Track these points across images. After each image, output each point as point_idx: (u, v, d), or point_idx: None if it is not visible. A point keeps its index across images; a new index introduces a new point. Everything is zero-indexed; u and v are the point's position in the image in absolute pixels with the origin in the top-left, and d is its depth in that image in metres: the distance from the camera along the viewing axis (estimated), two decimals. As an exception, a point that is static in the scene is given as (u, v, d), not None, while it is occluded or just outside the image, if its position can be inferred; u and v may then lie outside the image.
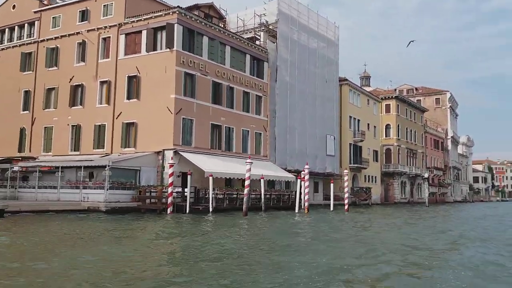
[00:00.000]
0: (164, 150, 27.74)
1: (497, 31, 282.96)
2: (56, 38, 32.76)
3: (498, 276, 8.25)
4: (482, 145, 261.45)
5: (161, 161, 27.84)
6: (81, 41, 31.55)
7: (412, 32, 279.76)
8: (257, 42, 36.50)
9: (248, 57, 34.40)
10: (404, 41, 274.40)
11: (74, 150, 31.05)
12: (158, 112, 27.89)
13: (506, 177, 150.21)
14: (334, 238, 14.36)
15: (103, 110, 30.04)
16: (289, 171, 35.55)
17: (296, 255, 10.07)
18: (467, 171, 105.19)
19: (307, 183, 28.94)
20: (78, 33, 31.61)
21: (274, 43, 37.12)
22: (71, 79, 31.76)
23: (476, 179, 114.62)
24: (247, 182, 22.87)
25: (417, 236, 15.25)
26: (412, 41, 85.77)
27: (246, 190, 22.87)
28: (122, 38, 29.76)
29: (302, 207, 29.81)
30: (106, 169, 24.12)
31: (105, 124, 29.91)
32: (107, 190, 24.21)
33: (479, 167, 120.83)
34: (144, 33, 28.86)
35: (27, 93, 34.12)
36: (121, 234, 14.43)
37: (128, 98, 29.23)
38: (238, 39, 33.55)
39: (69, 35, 32.13)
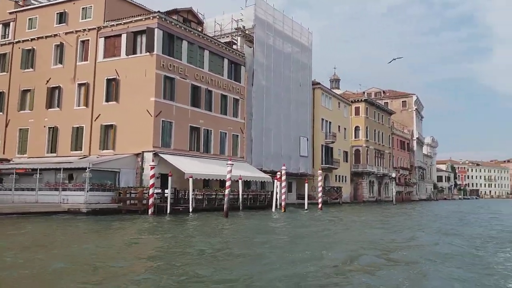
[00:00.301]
0: (143, 152, 28.17)
1: (459, 37, 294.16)
2: (32, 39, 32.55)
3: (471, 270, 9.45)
4: (445, 145, 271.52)
5: (140, 163, 28.26)
6: (58, 43, 31.51)
7: (380, 36, 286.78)
8: (234, 47, 37.33)
9: (226, 61, 35.18)
10: (372, 45, 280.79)
11: (51, 152, 30.97)
12: (138, 114, 28.28)
13: (468, 176, 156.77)
14: (321, 234, 15.51)
15: (81, 112, 30.14)
16: (265, 171, 36.57)
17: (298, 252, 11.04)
18: (431, 171, 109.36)
19: (284, 183, 30.02)
20: (55, 35, 31.54)
21: (250, 47, 38.06)
22: (48, 81, 31.65)
23: (440, 178, 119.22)
24: (228, 183, 23.68)
25: (391, 232, 16.60)
26: (395, 59, 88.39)
27: (227, 191, 23.66)
28: (101, 41, 29.95)
29: (278, 206, 30.95)
30: (86, 171, 24.42)
31: (83, 126, 30.02)
32: (87, 192, 24.49)
33: (443, 166, 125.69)
34: (123, 36, 29.18)
35: (1, 94, 33.71)
36: (107, 233, 15.01)
37: (107, 100, 29.47)
38: (216, 44, 34.28)
39: (46, 37, 32.00)
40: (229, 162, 23.98)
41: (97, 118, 29.56)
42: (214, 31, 38.56)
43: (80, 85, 30.52)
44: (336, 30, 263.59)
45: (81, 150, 29.75)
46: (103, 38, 29.92)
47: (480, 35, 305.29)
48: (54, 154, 30.56)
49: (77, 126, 30.15)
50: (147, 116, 28.24)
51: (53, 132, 31.13)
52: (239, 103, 36.54)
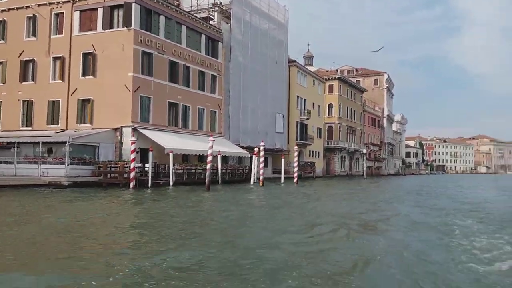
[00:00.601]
0: (122, 126, 28.28)
1: (432, 16, 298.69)
2: (3, 11, 31.60)
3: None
4: (414, 122, 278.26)
5: (119, 137, 28.40)
6: (31, 15, 30.75)
7: (355, 13, 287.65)
8: (211, 22, 37.28)
9: (203, 37, 35.20)
10: (347, 23, 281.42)
11: (26, 126, 30.62)
12: (115, 89, 28.25)
13: (435, 152, 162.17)
14: (304, 205, 16.44)
15: (57, 86, 29.80)
16: (242, 147, 37.26)
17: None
18: (400, 147, 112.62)
19: (262, 159, 30.82)
20: (27, 7, 30.73)
21: (228, 24, 38.10)
22: (20, 54, 30.97)
23: (408, 154, 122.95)
24: (209, 158, 24.22)
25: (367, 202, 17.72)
26: (377, 50, 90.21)
27: (208, 166, 24.23)
28: (76, 14, 29.43)
29: (255, 180, 31.82)
30: (66, 145, 24.50)
31: (59, 100, 29.74)
32: (67, 165, 24.63)
33: (411, 143, 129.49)
34: (100, 10, 28.79)
35: (-29, 67, 32.81)
36: (94, 203, 15.45)
37: (84, 75, 29.22)
38: (194, 19, 34.21)
39: (18, 8, 31.13)
40: (211, 138, 24.48)
41: (73, 92, 29.32)
42: (191, 6, 38.26)
43: (55, 58, 30.05)
44: (309, 5, 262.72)
45: (57, 124, 29.55)
46: (79, 11, 29.41)
47: (452, 15, 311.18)
48: (30, 128, 30.25)
49: (53, 100, 29.84)
50: (125, 91, 28.24)
51: (28, 105, 30.70)
52: (216, 80, 36.79)
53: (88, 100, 28.94)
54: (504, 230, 10.58)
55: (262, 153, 30.89)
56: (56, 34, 30.08)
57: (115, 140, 28.44)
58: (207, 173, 24.73)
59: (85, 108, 29.12)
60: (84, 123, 28.94)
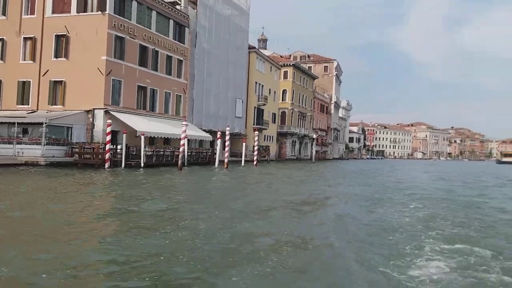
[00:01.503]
0: (94, 109, 29.28)
1: (379, 2, 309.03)
2: (-31, -14, 31.06)
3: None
4: (358, 108, 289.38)
5: (91, 119, 29.40)
6: (0, -8, 30.55)
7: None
8: (178, 7, 38.35)
9: (171, 22, 36.34)
10: (295, 5, 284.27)
11: (-6, 105, 30.70)
12: (88, 72, 29.07)
13: (376, 137, 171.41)
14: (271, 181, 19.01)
15: (28, 66, 30.04)
16: (204, 130, 39.13)
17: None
18: (344, 132, 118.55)
19: (227, 142, 33.00)
20: (-4, -17, 30.48)
21: (194, 9, 39.34)
22: (-12, 31, 30.76)
23: (351, 139, 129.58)
24: (182, 142, 26.08)
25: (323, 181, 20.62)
26: None
27: (181, 148, 26.12)
28: (50, -5, 29.70)
29: (218, 163, 34.01)
30: (43, 126, 25.35)
31: (30, 81, 30.06)
32: (43, 145, 25.52)
33: (355, 128, 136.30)
34: (74, -7, 29.26)
35: None
36: (80, 181, 17.04)
37: (56, 56, 29.69)
38: (163, 5, 35.21)
39: (-15, -16, 30.76)
40: (184, 123, 26.32)
41: (45, 73, 29.75)
42: (158, -10, 38.99)
43: (26, 39, 30.18)
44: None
45: (28, 104, 29.94)
46: (52, -8, 29.68)
47: (398, 2, 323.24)
48: (-2, 107, 30.40)
49: (23, 80, 30.10)
50: (98, 74, 29.15)
51: (-5, 84, 30.72)
52: (182, 64, 38.16)
53: (60, 81, 29.53)
54: (413, 203, 13.96)
55: (227, 137, 33.05)
56: (28, 14, 30.15)
57: (87, 122, 29.41)
58: (180, 155, 26.61)
59: (56, 89, 29.70)
60: (56, 105, 29.56)
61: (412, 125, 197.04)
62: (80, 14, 29.32)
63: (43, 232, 7.87)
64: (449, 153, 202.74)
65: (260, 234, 8.37)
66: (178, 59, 37.40)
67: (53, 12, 29.76)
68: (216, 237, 7.81)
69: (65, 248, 6.76)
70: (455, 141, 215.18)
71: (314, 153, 66.27)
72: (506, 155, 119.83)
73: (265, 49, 79.14)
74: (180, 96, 37.96)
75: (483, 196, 17.85)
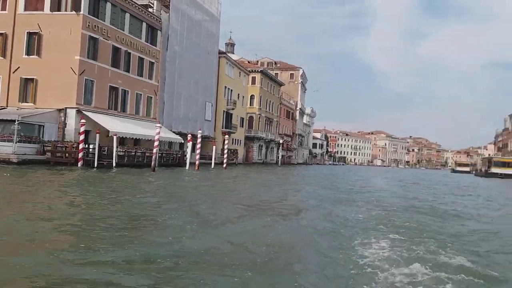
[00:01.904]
0: (66, 108, 29.30)
1: (344, 12, 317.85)
2: None
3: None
4: (321, 115, 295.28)
5: (63, 118, 29.39)
6: (-31, -14, 30.06)
7: (271, 1, 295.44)
8: (150, 10, 38.78)
9: (144, 24, 36.74)
10: (263, 8, 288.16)
11: (-41, 101, 30.07)
12: (61, 71, 29.08)
13: (338, 144, 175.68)
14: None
15: (-3, 62, 29.72)
16: (174, 133, 39.59)
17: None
18: (308, 138, 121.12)
19: (199, 145, 33.66)
20: (-34, -22, 29.98)
21: (167, 13, 39.87)
22: (-45, 26, 30.16)
23: (314, 145, 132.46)
24: (156, 143, 26.59)
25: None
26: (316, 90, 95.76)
27: (155, 150, 26.62)
28: (23, -8, 29.53)
29: (189, 165, 34.58)
30: (16, 123, 25.23)
31: (0, 77, 29.72)
32: (15, 143, 25.37)
33: (318, 135, 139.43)
34: (48, -9, 29.24)
35: None
36: (56, 177, 17.42)
37: (28, 54, 29.54)
38: (137, 7, 35.59)
39: (-46, -22, 30.19)
40: (158, 125, 26.83)
41: (16, 70, 29.51)
42: (131, -8, 39.27)
43: (-4, 34, 29.86)
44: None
45: (-3, 101, 29.57)
46: (25, -11, 29.53)
47: (362, 13, 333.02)
48: (-36, 103, 29.79)
49: (-7, 76, 29.72)
50: (71, 73, 29.23)
51: (-38, 80, 30.11)
52: (154, 66, 38.56)
53: (32, 79, 29.37)
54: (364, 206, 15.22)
55: (199, 140, 33.73)
56: (-1, 10, 29.87)
57: (58, 121, 29.36)
58: (154, 156, 27.13)
59: (27, 87, 29.50)
60: (26, 102, 29.36)
61: (372, 133, 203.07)
62: (54, 13, 29.34)
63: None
64: (407, 161, 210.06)
65: (240, 238, 9.27)
66: (150, 61, 37.79)
67: (25, 9, 29.61)
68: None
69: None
70: (413, 150, 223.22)
71: (280, 157, 67.68)
72: (460, 164, 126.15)
73: (233, 53, 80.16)
74: (151, 97, 38.32)
75: (436, 200, 19.56)
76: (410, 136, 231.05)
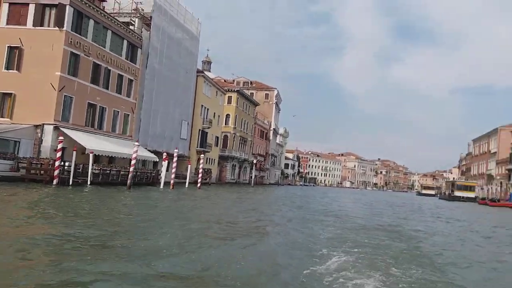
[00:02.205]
0: (43, 124, 29.02)
1: (318, 33, 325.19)
2: None
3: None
4: (293, 136, 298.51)
5: (39, 134, 29.07)
6: (-51, -3, 29.65)
7: (251, 17, 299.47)
8: (131, 27, 39.05)
9: (125, 42, 36.94)
10: (243, 26, 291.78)
11: None
12: (40, 86, 28.86)
13: (309, 165, 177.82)
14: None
15: (-26, 75, 29.24)
16: (149, 151, 39.56)
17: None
18: (281, 159, 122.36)
19: (174, 164, 33.79)
20: None
21: (148, 31, 40.22)
22: None
23: (286, 166, 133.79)
24: (133, 162, 26.66)
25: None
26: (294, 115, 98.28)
27: (132, 168, 26.66)
28: (5, 6, 29.30)
29: (163, 185, 34.59)
30: (-9, 139, 24.86)
31: (-25, 90, 29.22)
32: (-11, 159, 24.95)
33: (290, 155, 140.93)
34: (31, 6, 29.16)
35: None
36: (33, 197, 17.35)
37: (7, 68, 29.21)
38: (119, 25, 35.82)
39: None
40: (136, 143, 26.96)
41: (-7, 84, 29.11)
42: (113, 9, 39.52)
43: (-26, 46, 29.44)
44: (208, 4, 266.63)
45: (-29, 114, 29.00)
46: (8, 3, 29.33)
47: (335, 35, 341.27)
48: None
49: (-32, 88, 29.17)
50: (50, 89, 29.06)
51: None
52: (133, 84, 38.67)
53: (10, 94, 29.01)
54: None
55: (175, 159, 33.88)
56: (-21, 22, 29.52)
57: (34, 137, 29.02)
58: (130, 175, 27.15)
59: (4, 101, 29.10)
60: (3, 117, 28.92)
61: (342, 154, 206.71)
62: (37, 28, 29.24)
63: None
64: (375, 183, 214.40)
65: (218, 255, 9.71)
66: (129, 78, 37.90)
67: (7, 23, 29.41)
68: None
69: None
70: (381, 172, 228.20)
71: (253, 177, 68.16)
72: (425, 187, 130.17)
73: (209, 71, 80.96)
74: (128, 115, 38.30)
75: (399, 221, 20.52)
76: (379, 159, 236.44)
